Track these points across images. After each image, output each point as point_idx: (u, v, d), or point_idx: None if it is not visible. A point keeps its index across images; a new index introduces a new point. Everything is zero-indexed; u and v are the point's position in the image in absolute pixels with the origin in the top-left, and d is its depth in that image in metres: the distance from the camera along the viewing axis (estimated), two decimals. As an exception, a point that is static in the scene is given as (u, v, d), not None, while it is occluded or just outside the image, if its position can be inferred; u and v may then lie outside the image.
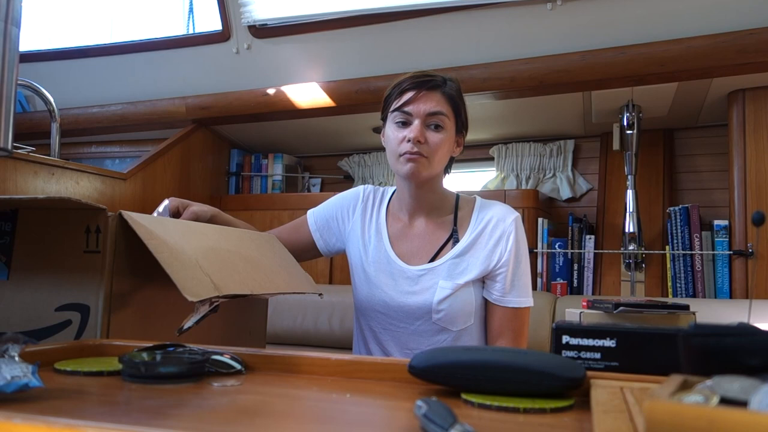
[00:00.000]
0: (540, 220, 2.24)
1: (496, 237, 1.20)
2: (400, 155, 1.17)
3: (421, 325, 1.21)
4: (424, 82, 1.17)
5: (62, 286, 0.89)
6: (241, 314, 1.15)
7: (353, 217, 1.33)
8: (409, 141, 1.15)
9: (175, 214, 1.16)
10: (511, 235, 1.20)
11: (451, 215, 1.25)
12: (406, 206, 1.27)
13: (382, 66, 2.25)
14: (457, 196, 1.29)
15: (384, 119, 1.25)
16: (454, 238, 1.22)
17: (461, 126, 1.24)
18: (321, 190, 2.92)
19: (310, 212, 1.38)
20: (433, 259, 1.22)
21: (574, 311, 1.27)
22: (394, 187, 1.34)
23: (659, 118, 2.26)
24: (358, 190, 1.36)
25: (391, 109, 1.20)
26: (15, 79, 1.06)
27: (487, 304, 1.23)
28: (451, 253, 1.21)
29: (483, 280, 1.23)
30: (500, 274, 1.20)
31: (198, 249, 0.93)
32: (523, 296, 1.21)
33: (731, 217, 2.01)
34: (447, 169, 1.29)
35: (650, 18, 1.89)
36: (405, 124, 1.18)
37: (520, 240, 1.22)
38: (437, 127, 1.17)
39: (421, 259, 1.23)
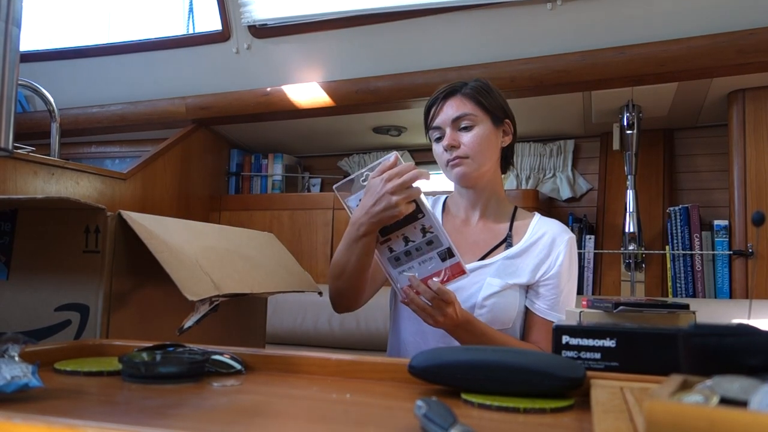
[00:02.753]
0: (540, 220, 2.24)
1: (549, 250, 1.22)
2: (446, 165, 1.24)
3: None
4: (441, 92, 1.25)
5: (62, 286, 0.89)
6: (241, 314, 1.15)
7: None
8: (445, 150, 1.22)
9: None
10: (564, 251, 1.22)
11: (507, 223, 1.27)
12: (463, 208, 1.31)
13: (382, 66, 2.25)
14: (516, 208, 1.31)
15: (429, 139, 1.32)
16: (507, 242, 1.24)
17: (498, 116, 1.26)
18: (321, 190, 2.92)
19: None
20: (483, 258, 1.23)
21: (574, 311, 1.27)
22: (446, 195, 1.39)
23: (659, 118, 2.26)
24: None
25: (427, 130, 1.28)
26: (15, 79, 1.06)
27: (527, 314, 1.23)
28: (503, 254, 1.22)
29: (527, 289, 1.23)
30: (546, 286, 1.21)
31: (197, 248, 0.93)
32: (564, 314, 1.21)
33: (731, 217, 2.01)
34: (505, 166, 1.32)
35: (650, 18, 1.89)
36: (440, 137, 1.24)
37: (573, 259, 1.24)
38: (466, 128, 1.22)
39: (471, 257, 1.23)
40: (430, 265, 1.06)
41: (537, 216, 1.30)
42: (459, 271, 1.05)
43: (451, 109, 1.22)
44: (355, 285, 1.16)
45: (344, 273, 1.13)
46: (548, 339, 1.19)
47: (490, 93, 1.26)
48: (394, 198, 1.01)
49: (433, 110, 1.25)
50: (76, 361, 0.69)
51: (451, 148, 1.21)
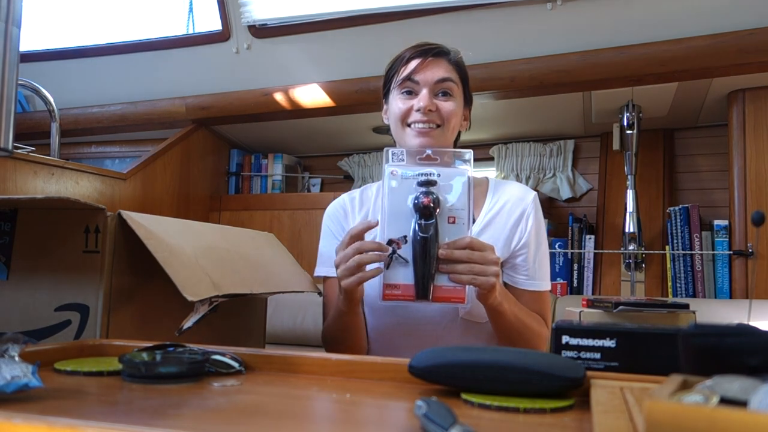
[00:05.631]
0: (540, 220, 2.23)
1: (516, 216, 1.12)
2: (408, 125, 1.10)
3: (448, 323, 1.10)
4: (429, 50, 1.11)
5: (62, 286, 0.89)
6: (241, 314, 1.15)
7: (353, 220, 1.20)
8: (418, 110, 1.09)
9: None
10: (531, 214, 1.12)
11: None
12: None
13: (382, 66, 2.21)
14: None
15: (386, 95, 1.18)
16: None
17: (468, 98, 1.17)
18: (321, 190, 2.92)
19: (319, 270, 1.21)
20: None
21: (574, 310, 1.27)
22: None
23: (659, 118, 2.26)
24: (337, 200, 1.25)
25: (396, 80, 1.13)
26: (15, 79, 1.06)
27: (509, 289, 1.11)
28: None
29: (503, 264, 1.12)
30: (521, 256, 1.12)
31: (197, 248, 0.93)
32: (545, 279, 1.14)
33: (731, 217, 2.01)
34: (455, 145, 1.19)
35: (650, 18, 1.89)
36: (411, 93, 1.11)
37: (540, 219, 1.15)
38: (446, 95, 1.11)
39: None
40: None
41: (491, 182, 1.19)
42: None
43: (439, 70, 1.10)
44: (356, 345, 1.10)
45: (339, 339, 1.09)
46: (536, 308, 1.11)
47: (466, 70, 1.18)
48: (343, 282, 0.92)
49: (415, 63, 1.10)
50: (76, 361, 0.69)
51: (428, 112, 1.08)
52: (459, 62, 1.15)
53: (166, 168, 2.47)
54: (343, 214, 1.21)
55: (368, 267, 0.92)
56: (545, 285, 1.14)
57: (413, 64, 1.11)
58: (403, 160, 0.93)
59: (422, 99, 1.09)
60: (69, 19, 3.27)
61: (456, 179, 0.91)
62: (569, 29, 1.99)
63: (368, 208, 1.19)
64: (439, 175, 0.91)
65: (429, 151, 0.95)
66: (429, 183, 0.90)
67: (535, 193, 1.16)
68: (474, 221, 1.10)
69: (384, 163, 0.93)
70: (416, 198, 0.89)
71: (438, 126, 1.10)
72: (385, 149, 0.95)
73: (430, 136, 1.09)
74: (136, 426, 0.41)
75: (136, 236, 0.85)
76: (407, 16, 2.11)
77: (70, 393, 0.56)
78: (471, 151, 0.95)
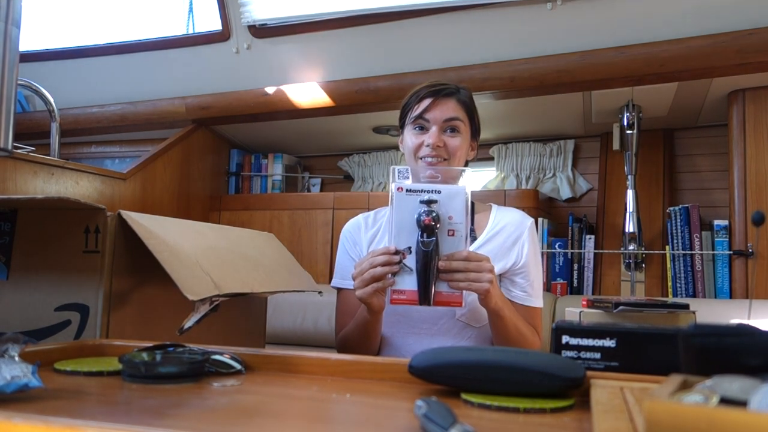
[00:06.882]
0: (540, 220, 2.24)
1: (514, 238, 1.25)
2: (420, 158, 1.24)
3: (445, 324, 1.22)
4: (439, 90, 1.25)
5: (62, 286, 0.89)
6: (241, 314, 1.15)
7: (365, 235, 1.33)
8: (428, 146, 1.22)
9: None
10: (528, 238, 1.26)
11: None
12: None
13: (382, 66, 2.25)
14: (473, 203, 1.31)
15: (402, 126, 1.31)
16: (472, 236, 1.25)
17: (475, 131, 1.31)
18: (321, 190, 2.92)
19: (334, 281, 1.34)
20: None
21: (574, 310, 1.27)
22: None
23: (659, 118, 2.26)
24: (355, 218, 1.38)
25: (410, 116, 1.26)
26: (15, 79, 1.06)
27: None
28: (471, 248, 1.21)
29: (500, 278, 1.25)
30: (519, 274, 1.25)
31: (197, 248, 0.93)
32: (539, 297, 1.27)
33: (731, 217, 2.01)
34: None
35: (650, 18, 1.89)
36: (423, 129, 1.25)
37: (536, 244, 1.29)
38: (453, 131, 1.24)
39: None
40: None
41: (494, 207, 1.33)
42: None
43: (447, 109, 1.23)
44: (372, 349, 1.21)
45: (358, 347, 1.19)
46: (532, 321, 1.24)
47: (475, 106, 1.31)
48: (358, 293, 1.02)
49: (426, 102, 1.23)
50: (76, 361, 0.69)
51: (437, 147, 1.21)
52: (467, 100, 1.28)
53: (166, 168, 2.47)
54: (357, 230, 1.35)
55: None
56: (538, 302, 1.27)
57: (425, 103, 1.24)
58: (408, 178, 1.03)
59: (432, 136, 1.22)
60: (68, 19, 3.27)
61: (455, 196, 0.99)
62: (569, 29, 1.99)
63: (380, 225, 1.34)
64: (439, 192, 0.99)
65: (429, 171, 1.09)
66: (430, 201, 0.98)
67: (532, 219, 1.31)
68: (475, 239, 1.24)
69: (390, 182, 1.01)
70: (419, 216, 0.97)
71: (445, 159, 1.23)
72: (391, 168, 1.04)
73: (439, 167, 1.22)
74: (135, 426, 0.41)
75: (136, 236, 0.85)
76: (407, 16, 2.11)
77: (70, 393, 0.56)
78: (467, 168, 1.06)
